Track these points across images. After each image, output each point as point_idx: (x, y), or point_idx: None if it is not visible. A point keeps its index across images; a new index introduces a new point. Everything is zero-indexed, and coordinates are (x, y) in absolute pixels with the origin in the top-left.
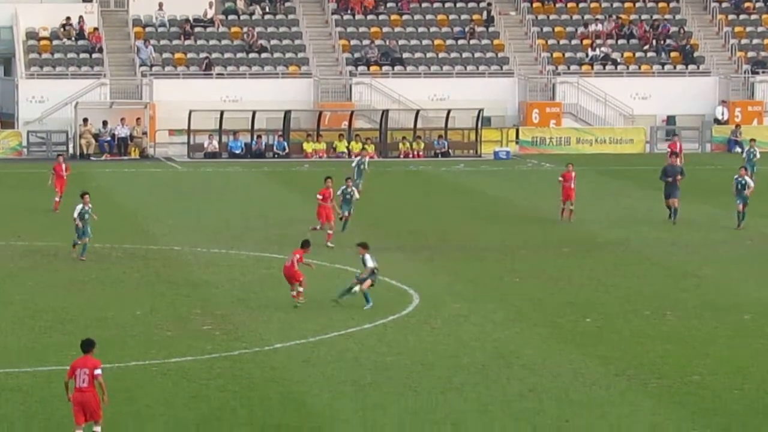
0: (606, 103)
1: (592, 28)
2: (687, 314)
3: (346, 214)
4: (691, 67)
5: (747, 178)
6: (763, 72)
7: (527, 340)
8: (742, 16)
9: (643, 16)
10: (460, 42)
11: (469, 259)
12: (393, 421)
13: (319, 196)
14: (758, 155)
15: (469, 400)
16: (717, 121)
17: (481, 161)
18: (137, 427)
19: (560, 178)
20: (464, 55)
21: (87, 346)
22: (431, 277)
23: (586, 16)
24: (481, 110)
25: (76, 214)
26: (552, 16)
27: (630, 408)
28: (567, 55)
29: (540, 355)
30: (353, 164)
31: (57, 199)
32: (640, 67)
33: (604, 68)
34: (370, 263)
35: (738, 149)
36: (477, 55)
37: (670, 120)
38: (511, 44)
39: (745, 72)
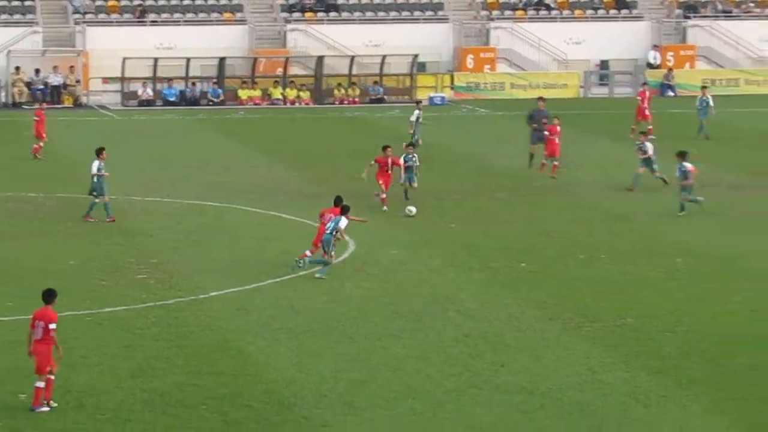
0: (540, 48)
1: None
2: (620, 258)
3: (407, 183)
4: (624, 11)
5: (647, 144)
6: (695, 16)
7: (463, 285)
8: None
9: None
10: None
11: (404, 204)
12: (329, 368)
13: (374, 163)
14: (711, 103)
15: (406, 346)
16: (650, 66)
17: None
18: (73, 377)
19: (546, 132)
20: (399, 0)
21: (48, 296)
22: (368, 224)
23: None
24: (415, 56)
25: (95, 170)
26: None
27: (564, 351)
28: (501, 0)
29: (476, 300)
30: (411, 119)
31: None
32: (573, 12)
33: (538, 13)
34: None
35: (670, 93)
36: (412, 0)
37: (604, 65)
38: None
39: (677, 16)
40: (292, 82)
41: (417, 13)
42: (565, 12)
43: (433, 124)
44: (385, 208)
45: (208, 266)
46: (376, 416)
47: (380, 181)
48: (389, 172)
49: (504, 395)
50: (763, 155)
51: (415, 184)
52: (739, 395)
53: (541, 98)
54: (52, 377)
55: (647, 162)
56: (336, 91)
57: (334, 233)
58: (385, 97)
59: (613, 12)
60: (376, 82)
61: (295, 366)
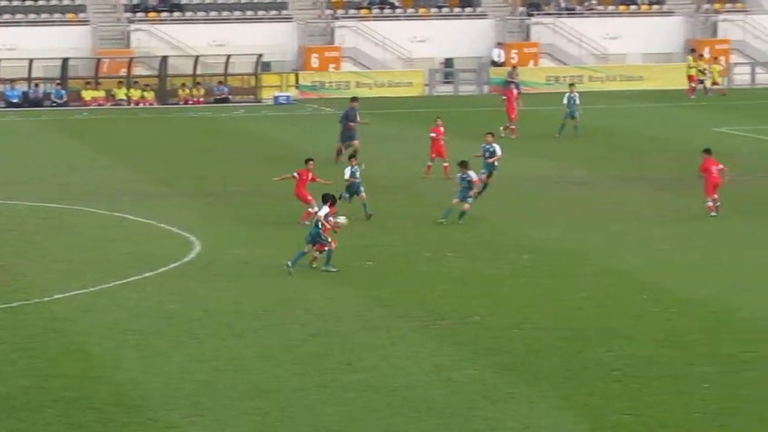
0: (384, 47)
1: None
2: (467, 255)
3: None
4: (468, 9)
5: (495, 145)
6: (539, 14)
7: (310, 284)
8: None
9: None
10: None
11: (250, 204)
12: (176, 369)
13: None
14: (578, 101)
15: (252, 345)
16: (494, 63)
17: (261, 106)
18: None
19: (431, 134)
20: (243, 0)
21: None
22: (213, 224)
23: None
24: (260, 55)
25: None
26: None
27: (412, 350)
28: None
29: (322, 299)
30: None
31: None
32: (417, 11)
33: (383, 12)
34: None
35: (515, 90)
36: (256, 0)
37: (448, 62)
38: None
39: (520, 14)
40: (136, 82)
41: (261, 13)
42: (410, 10)
43: (278, 124)
44: (306, 222)
45: (52, 268)
46: (223, 416)
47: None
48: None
49: (351, 393)
50: (606, 151)
51: (363, 194)
52: (585, 391)
53: (354, 98)
54: None
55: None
56: (180, 91)
57: (320, 225)
58: (230, 96)
59: (457, 10)
60: (220, 82)
61: (141, 367)
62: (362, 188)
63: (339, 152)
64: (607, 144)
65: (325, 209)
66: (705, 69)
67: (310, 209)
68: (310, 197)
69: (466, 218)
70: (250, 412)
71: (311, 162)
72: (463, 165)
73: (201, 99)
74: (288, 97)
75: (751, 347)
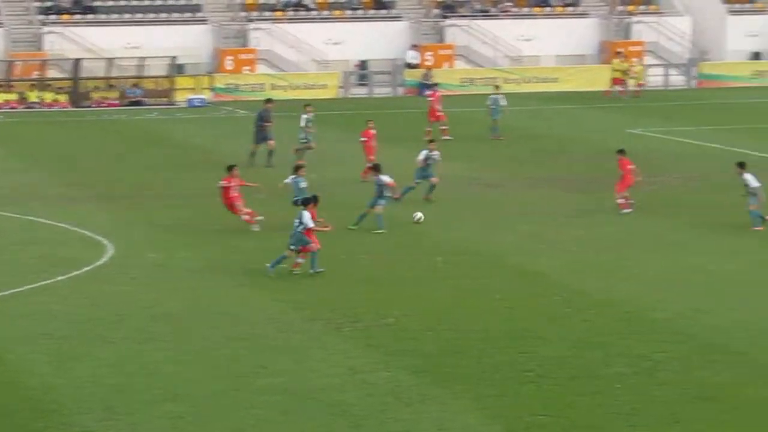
0: (299, 49)
1: None
2: (381, 257)
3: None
4: (382, 11)
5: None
6: (453, 16)
7: (223, 288)
8: None
9: None
10: None
11: (164, 207)
12: (89, 373)
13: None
14: (503, 102)
15: (165, 350)
16: (408, 65)
17: (175, 109)
18: None
19: (362, 138)
20: (157, 2)
21: None
22: (127, 227)
23: None
24: (174, 58)
25: None
26: None
27: (326, 352)
28: (260, 1)
29: (236, 302)
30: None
31: None
32: (332, 13)
33: (297, 14)
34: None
35: (429, 92)
36: (170, 2)
37: (363, 64)
38: None
39: (435, 16)
40: (48, 85)
41: (175, 15)
42: (324, 12)
43: (192, 126)
44: (256, 228)
45: None
46: (137, 420)
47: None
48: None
49: (265, 397)
50: (520, 153)
51: None
52: (499, 392)
53: (268, 100)
54: None
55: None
56: (94, 94)
57: (303, 228)
58: (144, 99)
59: (372, 12)
60: (134, 85)
61: (54, 372)
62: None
63: (253, 154)
64: (521, 145)
65: (306, 213)
66: (628, 70)
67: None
68: (238, 204)
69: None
70: (164, 416)
71: (235, 168)
72: (376, 169)
73: (115, 101)
74: (202, 99)
75: (664, 347)
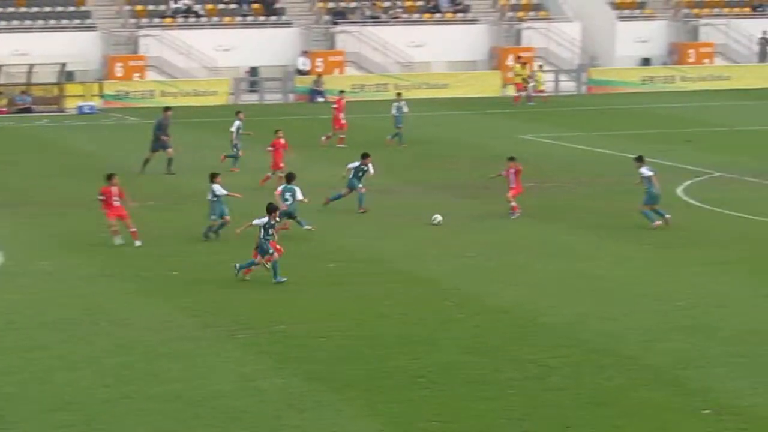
0: (189, 56)
1: None
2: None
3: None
4: (272, 18)
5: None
6: (343, 22)
7: (115, 295)
8: None
9: None
10: None
11: (53, 214)
12: None
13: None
14: (406, 109)
15: (56, 357)
16: (299, 72)
17: (64, 116)
18: None
19: (269, 148)
20: (46, 9)
21: None
22: (16, 235)
23: None
24: (63, 65)
25: None
26: None
27: (218, 359)
28: (149, 8)
29: (128, 309)
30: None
31: None
32: (222, 19)
33: (187, 20)
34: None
35: (320, 98)
36: (59, 9)
37: (253, 71)
38: None
39: (325, 23)
40: None
41: (64, 22)
42: (214, 19)
43: (82, 134)
44: (137, 242)
45: None
46: (29, 429)
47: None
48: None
49: (158, 404)
50: (411, 159)
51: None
52: (391, 398)
53: (167, 108)
54: None
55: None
56: None
57: (267, 236)
58: (33, 106)
59: (262, 19)
60: (23, 92)
61: None
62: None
63: (147, 161)
64: (413, 152)
65: (264, 219)
66: (529, 77)
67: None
68: (117, 216)
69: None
70: (56, 425)
71: (114, 177)
72: (289, 178)
73: (3, 109)
74: (92, 106)
75: (555, 353)
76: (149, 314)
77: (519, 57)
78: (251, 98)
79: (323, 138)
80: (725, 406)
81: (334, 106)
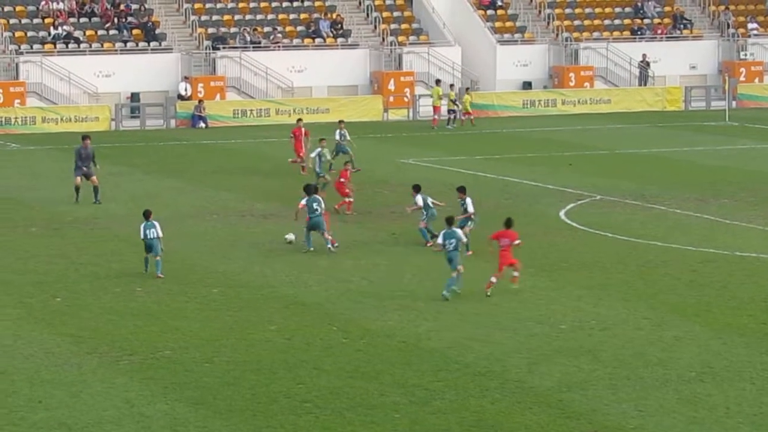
0: (70, 82)
1: (53, 6)
2: (156, 290)
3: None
4: (153, 44)
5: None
6: (225, 47)
7: None
8: None
9: None
10: None
11: None
12: None
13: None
14: (348, 137)
15: None
16: (180, 97)
17: None
18: None
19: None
20: None
21: None
22: None
23: None
24: None
25: None
26: None
27: (103, 386)
28: (29, 34)
29: (10, 336)
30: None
31: None
32: (102, 45)
33: (68, 47)
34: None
35: (202, 124)
36: None
37: (134, 97)
38: None
39: (206, 48)
40: None
41: None
42: (95, 45)
43: None
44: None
45: None
46: None
47: None
48: None
49: (42, 431)
50: (293, 184)
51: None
52: (277, 423)
53: (86, 136)
54: None
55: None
56: None
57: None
58: None
59: (142, 44)
60: None
61: None
62: None
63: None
64: (295, 176)
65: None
66: (456, 99)
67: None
68: None
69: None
70: None
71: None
72: (309, 189)
73: None
74: None
75: (440, 376)
76: (32, 340)
77: (438, 80)
78: (133, 124)
79: (291, 161)
80: (610, 428)
81: (291, 136)
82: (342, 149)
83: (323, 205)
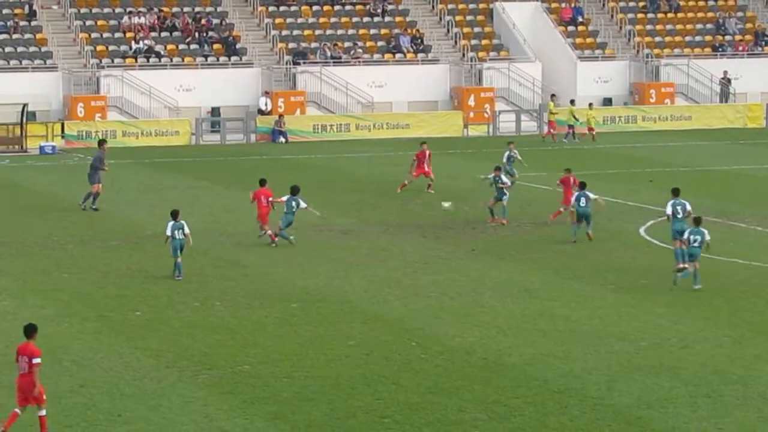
0: (151, 96)
1: (135, 20)
2: (236, 304)
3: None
4: (233, 58)
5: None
6: (305, 62)
7: (77, 334)
8: (282, 8)
9: (186, 9)
10: (3, 36)
11: (16, 254)
12: None
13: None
14: (519, 156)
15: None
16: (261, 112)
17: (26, 156)
18: None
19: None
20: (7, 49)
21: (29, 331)
22: None
23: (129, 9)
24: (25, 105)
25: None
26: (95, 10)
27: (182, 399)
28: (111, 48)
29: (90, 349)
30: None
31: None
32: (183, 60)
33: (149, 61)
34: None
35: (282, 139)
36: (20, 49)
37: (215, 111)
38: (54, 38)
39: (286, 63)
40: None
41: (26, 62)
42: (176, 59)
43: (43, 174)
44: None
45: None
46: None
47: None
48: None
49: None
50: (372, 198)
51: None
52: None
53: (102, 141)
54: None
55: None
56: None
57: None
58: None
59: (223, 59)
60: None
61: None
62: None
63: (89, 196)
64: (374, 191)
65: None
66: (575, 115)
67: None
68: None
69: (236, 267)
70: None
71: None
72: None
73: None
74: (53, 146)
75: (519, 393)
76: (112, 354)
77: (553, 95)
78: (213, 138)
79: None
80: None
81: (414, 158)
82: (510, 171)
83: (300, 206)
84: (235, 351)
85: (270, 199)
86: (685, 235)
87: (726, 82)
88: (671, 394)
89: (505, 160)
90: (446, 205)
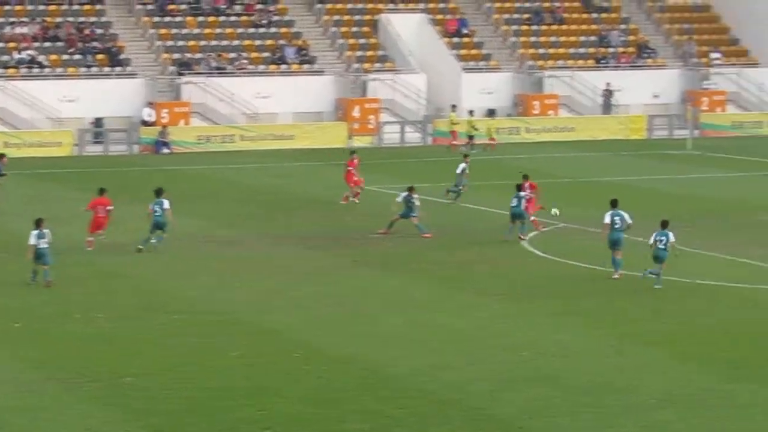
0: (33, 107)
1: (17, 30)
2: (118, 315)
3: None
4: (117, 69)
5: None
6: (189, 73)
7: None
8: (167, 18)
9: (69, 19)
10: None
11: None
12: None
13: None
14: (468, 170)
15: None
16: (144, 123)
17: None
18: None
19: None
20: None
21: None
22: None
23: (11, 20)
24: None
25: None
26: None
27: (64, 412)
28: None
29: None
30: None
31: None
32: (66, 70)
33: (31, 71)
34: None
35: (166, 150)
36: None
37: (98, 122)
38: None
39: (170, 74)
40: None
41: None
42: (59, 70)
43: None
44: None
45: None
46: None
47: None
48: None
49: None
50: (255, 210)
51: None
52: None
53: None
54: None
55: None
56: None
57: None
58: None
59: (106, 69)
60: None
61: None
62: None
63: None
64: (257, 202)
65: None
66: (474, 126)
67: None
68: None
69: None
70: None
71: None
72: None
73: None
74: None
75: (401, 403)
76: None
77: (454, 106)
78: (96, 149)
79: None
80: None
81: (350, 167)
82: (460, 183)
83: (167, 208)
84: (118, 363)
85: (108, 208)
86: (652, 239)
87: (608, 93)
88: (553, 403)
89: (459, 171)
90: (556, 211)
